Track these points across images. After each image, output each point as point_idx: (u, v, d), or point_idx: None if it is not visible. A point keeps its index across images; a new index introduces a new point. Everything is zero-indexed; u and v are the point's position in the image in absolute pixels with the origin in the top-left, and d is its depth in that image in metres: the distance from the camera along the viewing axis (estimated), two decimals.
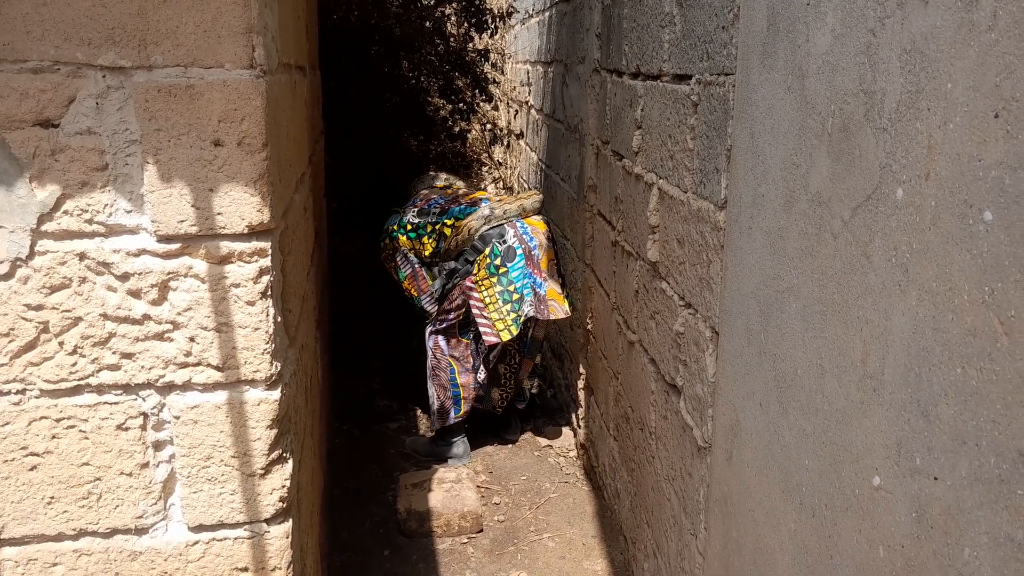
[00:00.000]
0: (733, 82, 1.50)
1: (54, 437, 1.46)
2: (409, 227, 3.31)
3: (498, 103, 4.97)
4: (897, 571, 0.88)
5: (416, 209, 3.36)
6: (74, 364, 1.43)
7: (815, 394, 1.11)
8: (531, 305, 3.04)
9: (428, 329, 3.27)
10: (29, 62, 1.30)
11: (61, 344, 1.41)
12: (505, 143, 5.09)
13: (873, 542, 0.94)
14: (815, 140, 1.11)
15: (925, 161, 0.82)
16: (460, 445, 3.34)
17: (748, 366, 1.41)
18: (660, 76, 2.00)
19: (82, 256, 1.38)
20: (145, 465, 1.49)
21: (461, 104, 4.43)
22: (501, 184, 5.23)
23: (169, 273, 1.41)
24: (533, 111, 4.46)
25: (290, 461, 1.57)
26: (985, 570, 0.72)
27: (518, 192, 4.93)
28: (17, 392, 1.43)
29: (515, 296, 3.03)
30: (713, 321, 1.62)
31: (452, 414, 3.26)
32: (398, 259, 3.35)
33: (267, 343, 1.46)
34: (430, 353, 3.27)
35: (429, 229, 3.26)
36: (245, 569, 1.57)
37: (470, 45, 4.52)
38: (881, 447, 0.91)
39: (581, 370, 3.31)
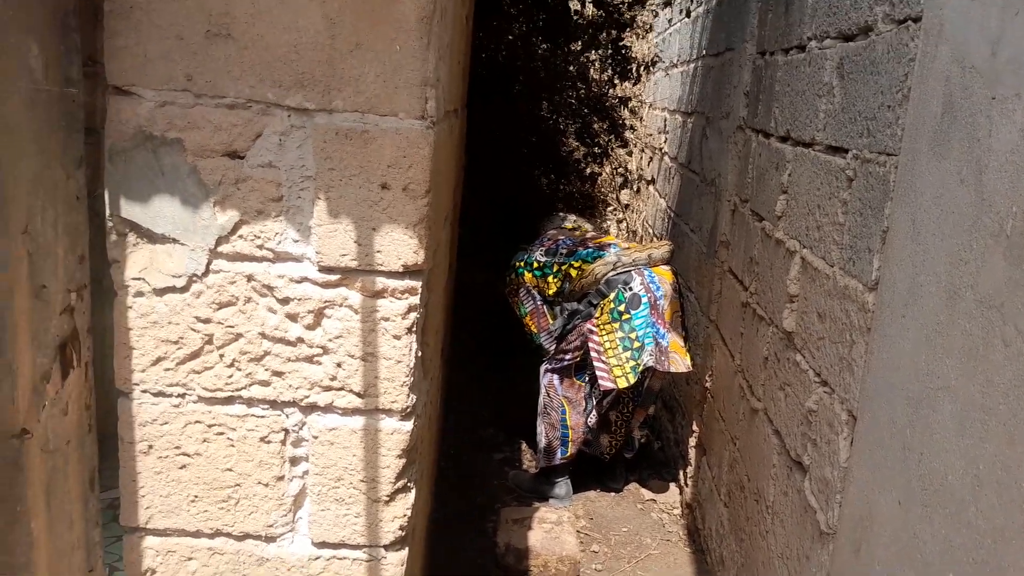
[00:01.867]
0: (896, 163, 1.46)
1: (204, 441, 1.57)
2: (536, 265, 3.36)
3: (632, 148, 4.99)
4: None
5: (544, 248, 3.41)
6: (230, 376, 1.53)
7: (967, 506, 1.05)
8: (651, 355, 3.02)
9: (544, 367, 3.30)
10: (226, 98, 1.43)
11: (221, 356, 1.53)
12: (635, 188, 5.09)
13: None
14: (990, 240, 1.07)
15: None
16: (563, 486, 3.33)
17: (888, 459, 1.35)
18: (812, 144, 1.96)
19: (250, 278, 1.49)
20: (281, 478, 1.58)
21: (596, 148, 4.48)
22: (625, 227, 5.23)
23: (326, 301, 1.50)
24: (667, 159, 4.45)
25: (413, 491, 1.62)
26: None
27: (641, 239, 4.92)
28: (178, 396, 1.55)
29: (636, 344, 3.01)
30: (851, 404, 1.56)
31: (559, 454, 3.27)
32: (521, 294, 3.41)
33: (407, 376, 1.52)
34: (543, 391, 3.29)
35: (555, 269, 3.30)
36: None
37: (611, 91, 4.57)
38: None
39: (694, 428, 3.25)
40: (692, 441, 3.26)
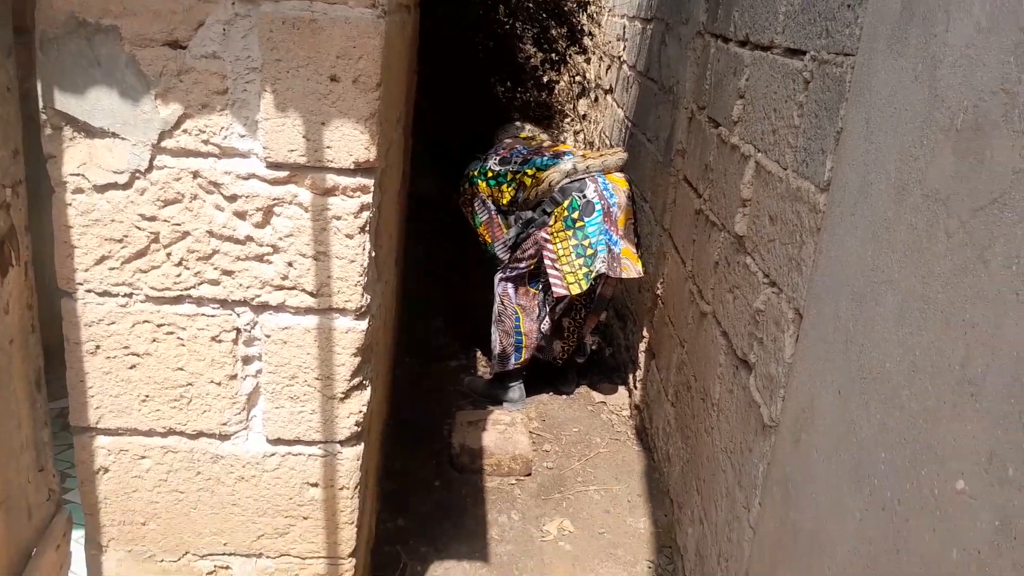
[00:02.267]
0: (852, 63, 1.45)
1: (154, 340, 1.55)
2: (490, 174, 3.32)
3: (591, 56, 4.89)
4: (971, 574, 0.89)
5: (498, 157, 3.37)
6: (178, 275, 1.50)
7: (902, 390, 1.10)
8: (604, 262, 3.05)
9: (498, 276, 3.31)
10: None
11: (168, 255, 1.49)
12: (592, 97, 5.02)
13: (947, 544, 0.95)
14: (940, 135, 1.08)
15: None
16: (517, 390, 3.40)
17: (830, 352, 1.40)
18: (771, 48, 1.94)
19: (195, 174, 1.44)
20: (233, 377, 1.58)
21: (553, 54, 4.37)
22: (583, 138, 5.18)
23: (275, 199, 1.46)
24: (625, 67, 4.38)
25: (368, 389, 1.64)
26: None
27: (600, 148, 4.88)
28: (124, 295, 1.51)
29: (589, 251, 3.03)
30: (798, 303, 1.61)
31: (512, 360, 3.32)
32: (476, 205, 3.38)
33: (360, 275, 1.51)
34: (497, 299, 3.32)
35: (510, 178, 3.28)
36: (316, 484, 1.66)
37: None
38: (971, 452, 0.91)
39: (644, 333, 3.32)
40: (642, 346, 3.34)
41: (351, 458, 1.66)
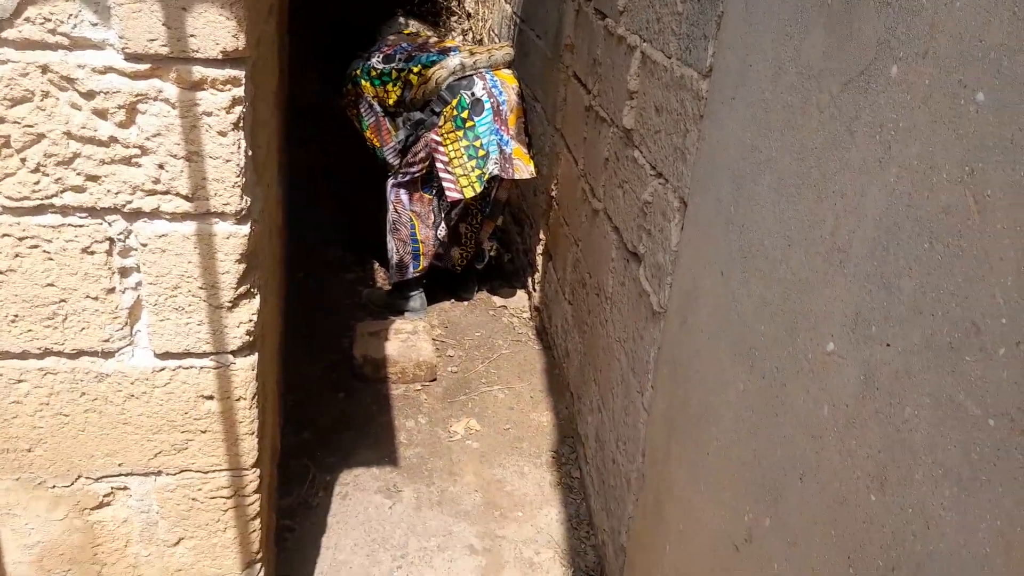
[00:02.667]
0: None
1: (17, 256, 1.44)
2: (373, 73, 3.18)
3: None
4: (839, 427, 0.96)
5: (382, 55, 3.23)
6: (37, 182, 1.39)
7: (779, 264, 1.16)
8: (496, 163, 3.02)
9: (390, 182, 3.23)
10: None
11: (23, 161, 1.37)
12: None
13: (819, 402, 1.02)
14: (813, 11, 1.10)
15: (926, 39, 0.83)
16: (417, 299, 3.39)
17: (713, 236, 1.45)
18: None
19: (45, 68, 1.31)
20: (111, 290, 1.49)
21: None
22: (471, 36, 5.03)
23: (138, 95, 1.35)
24: None
25: (257, 297, 1.58)
26: (923, 427, 0.79)
27: (489, 44, 4.77)
28: None
29: (480, 152, 2.99)
30: (683, 192, 1.64)
31: (411, 268, 3.29)
32: (361, 107, 3.26)
33: (238, 176, 1.44)
34: (391, 207, 3.25)
35: (394, 76, 3.15)
36: (211, 397, 1.62)
37: None
38: (839, 315, 0.97)
39: (541, 236, 3.35)
40: (539, 249, 3.38)
41: (245, 368, 1.62)
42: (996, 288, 0.69)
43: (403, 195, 3.21)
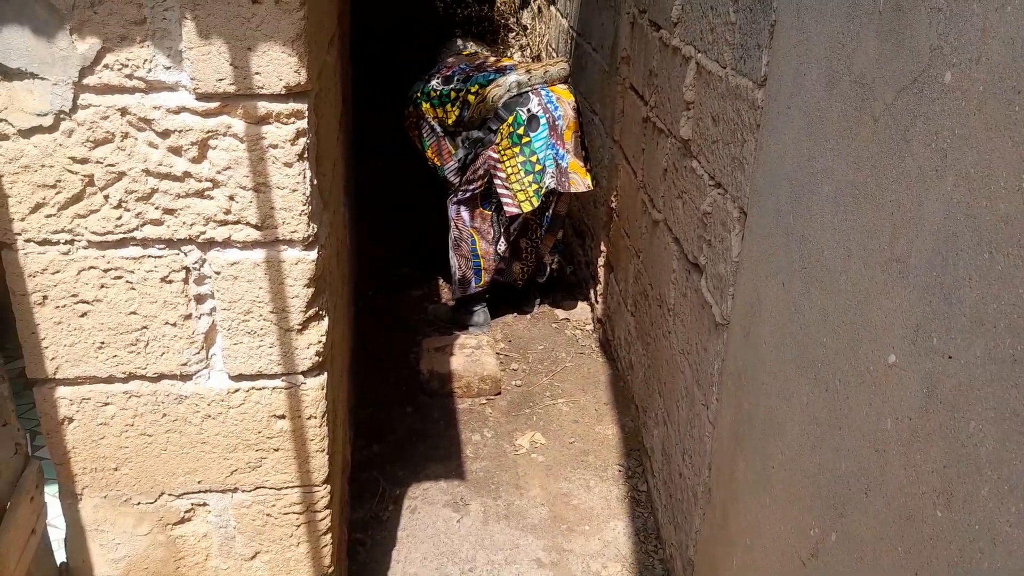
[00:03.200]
0: None
1: (103, 286, 1.53)
2: (433, 94, 3.25)
3: None
4: (903, 441, 0.94)
5: (441, 76, 3.30)
6: (119, 217, 1.47)
7: (839, 275, 1.14)
8: (552, 177, 3.04)
9: (451, 199, 3.29)
10: None
11: (107, 198, 1.46)
12: (535, 8, 4.90)
13: (882, 415, 1.00)
14: (864, 19, 1.09)
15: (978, 44, 0.81)
16: (481, 314, 3.43)
17: (773, 246, 1.43)
18: None
19: (124, 111, 1.40)
20: (188, 316, 1.57)
21: None
22: (529, 52, 5.08)
23: (208, 131, 1.42)
24: None
25: (326, 319, 1.64)
26: (988, 442, 0.77)
27: (545, 60, 4.80)
28: (66, 243, 1.48)
29: (537, 167, 3.02)
30: (742, 201, 1.63)
31: (472, 284, 3.34)
32: (423, 128, 3.33)
33: (304, 204, 1.50)
34: (452, 223, 3.31)
35: (453, 96, 3.21)
36: (283, 416, 1.68)
37: None
38: (900, 327, 0.95)
39: (602, 247, 3.35)
40: (601, 260, 3.38)
41: (315, 388, 1.68)
42: None
43: (464, 212, 3.26)
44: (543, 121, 3.01)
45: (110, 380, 1.61)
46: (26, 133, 1.39)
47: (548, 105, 3.04)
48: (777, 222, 1.42)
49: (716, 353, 1.80)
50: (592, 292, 3.59)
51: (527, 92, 3.06)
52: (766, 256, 1.48)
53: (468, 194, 3.20)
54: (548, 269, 3.67)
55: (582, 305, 3.68)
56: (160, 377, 1.62)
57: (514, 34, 5.09)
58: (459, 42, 3.76)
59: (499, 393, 3.01)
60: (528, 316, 3.61)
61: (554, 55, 4.62)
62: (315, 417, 1.70)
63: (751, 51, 1.59)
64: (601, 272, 3.39)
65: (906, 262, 0.94)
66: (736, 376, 1.65)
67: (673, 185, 2.21)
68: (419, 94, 3.30)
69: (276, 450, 1.71)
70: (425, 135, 3.32)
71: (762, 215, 1.51)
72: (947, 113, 0.87)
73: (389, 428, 2.79)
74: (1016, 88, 0.75)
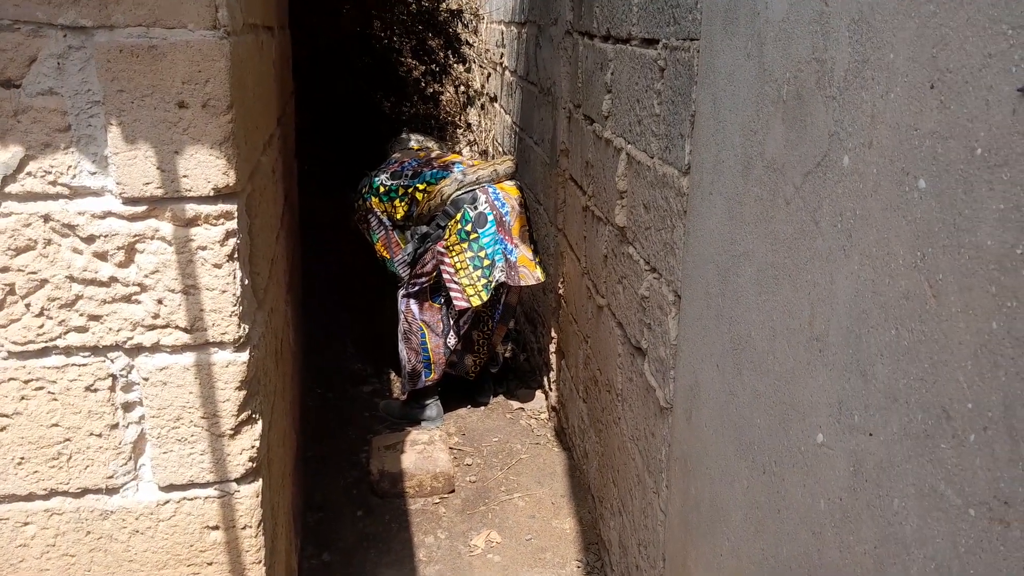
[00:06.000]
0: (698, 47, 1.51)
1: (23, 398, 1.46)
2: (382, 189, 3.29)
3: (472, 64, 4.93)
4: (836, 522, 0.92)
5: (389, 172, 3.35)
6: (41, 326, 1.43)
7: (767, 355, 1.15)
8: (502, 271, 3.06)
9: (400, 292, 3.28)
10: None
11: (28, 306, 1.42)
12: (480, 105, 5.06)
13: (816, 496, 0.98)
14: (771, 107, 1.13)
15: (868, 129, 0.85)
16: (433, 408, 3.38)
17: (706, 329, 1.44)
18: (629, 40, 2.00)
19: (47, 218, 1.38)
20: (115, 426, 1.51)
21: (434, 65, 4.39)
22: (476, 148, 5.21)
23: (135, 236, 1.41)
24: (507, 73, 4.43)
25: (259, 422, 1.59)
26: (911, 520, 0.76)
27: (492, 157, 4.92)
28: None
29: (486, 262, 3.04)
30: (676, 285, 1.65)
31: (423, 377, 3.30)
32: (372, 222, 3.35)
33: (235, 305, 1.47)
34: (402, 317, 3.29)
35: (401, 192, 3.25)
36: (216, 527, 1.60)
37: (443, 5, 4.46)
38: (825, 405, 0.95)
39: (553, 334, 3.35)
40: (552, 347, 3.37)
41: (249, 495, 1.61)
42: (959, 372, 0.68)
43: (413, 305, 3.25)
44: (490, 218, 3.06)
45: (30, 498, 1.52)
46: None
47: (495, 202, 3.10)
48: (708, 304, 1.43)
49: (663, 438, 1.78)
50: (546, 379, 3.57)
51: (475, 190, 3.11)
52: (701, 338, 1.49)
53: (417, 287, 3.21)
54: (501, 359, 3.65)
55: (537, 394, 3.65)
56: (84, 492, 1.54)
57: (461, 130, 5.23)
58: (407, 136, 3.84)
59: (453, 491, 2.93)
60: (483, 408, 3.56)
61: (500, 149, 4.74)
62: (250, 526, 1.62)
63: (675, 141, 1.64)
64: (553, 359, 3.39)
65: (825, 340, 0.95)
66: (683, 461, 1.63)
67: (613, 271, 2.23)
68: (367, 188, 3.34)
69: (209, 564, 1.62)
70: (374, 228, 3.34)
71: (695, 298, 1.52)
72: (848, 195, 0.90)
73: (338, 534, 2.68)
74: (905, 170, 0.78)
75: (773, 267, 1.12)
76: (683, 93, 1.59)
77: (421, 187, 3.21)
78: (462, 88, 4.99)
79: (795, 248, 1.04)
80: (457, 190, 3.12)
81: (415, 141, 3.78)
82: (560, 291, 3.18)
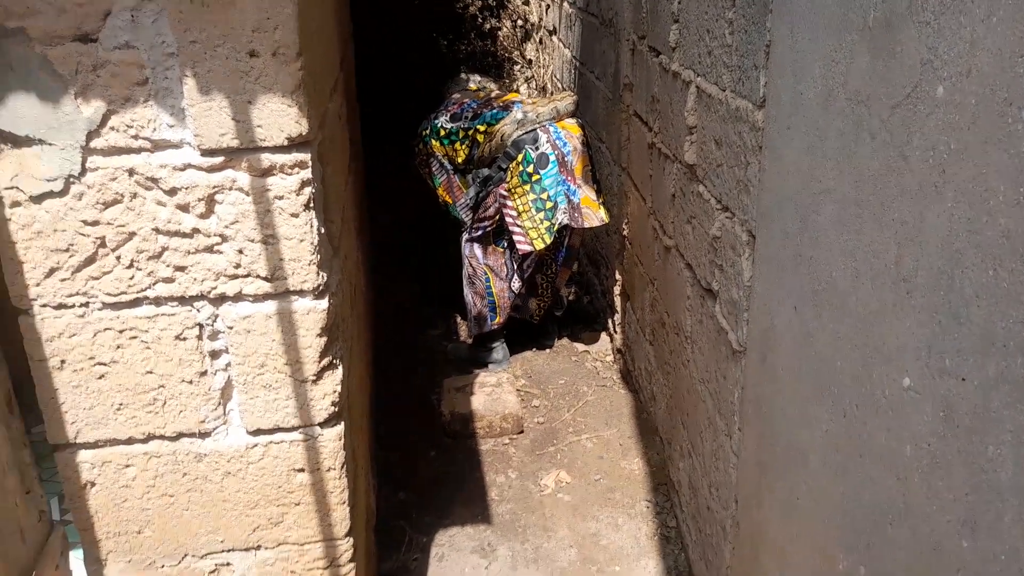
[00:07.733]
0: None
1: (118, 347, 1.54)
2: (442, 132, 3.28)
3: None
4: (923, 468, 0.91)
5: (449, 114, 3.33)
6: (131, 277, 1.49)
7: (849, 297, 1.12)
8: (565, 213, 3.04)
9: (464, 237, 3.30)
10: None
11: (118, 259, 1.47)
12: (538, 40, 4.95)
13: (901, 441, 0.97)
14: (856, 35, 1.08)
15: (967, 57, 0.80)
16: (499, 351, 3.42)
17: (783, 269, 1.41)
18: None
19: (131, 172, 1.42)
20: (203, 373, 1.57)
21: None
22: (534, 84, 5.12)
23: (214, 187, 1.44)
24: (566, 4, 4.32)
25: (340, 368, 1.64)
26: (1007, 466, 0.74)
27: (551, 93, 4.83)
28: (81, 305, 1.50)
29: (548, 204, 3.02)
30: (750, 224, 1.62)
31: (489, 321, 3.33)
32: (433, 166, 3.35)
33: (313, 254, 1.51)
34: (466, 261, 3.31)
35: (462, 135, 3.23)
36: (302, 469, 1.67)
37: None
38: (912, 349, 0.93)
39: (617, 276, 3.33)
40: (617, 290, 3.36)
41: (333, 439, 1.67)
42: None
43: (477, 249, 3.26)
44: (552, 158, 3.02)
45: (130, 441, 1.61)
46: (37, 199, 1.42)
47: (556, 141, 3.05)
48: (785, 244, 1.40)
49: (735, 381, 1.77)
50: (611, 322, 3.56)
51: (535, 130, 3.07)
52: (777, 280, 1.46)
53: (480, 232, 3.21)
54: (565, 302, 3.65)
55: (602, 336, 3.65)
56: (179, 436, 1.62)
57: (519, 66, 5.14)
58: (465, 76, 3.80)
59: (521, 431, 2.99)
60: (548, 351, 3.58)
61: (559, 85, 4.66)
62: (334, 469, 1.69)
63: (748, 72, 1.58)
64: (618, 301, 3.37)
65: (913, 281, 0.92)
66: (756, 404, 1.62)
67: (682, 210, 2.19)
68: (428, 132, 3.33)
69: (297, 504, 1.70)
70: (436, 172, 3.34)
71: (771, 238, 1.49)
72: (942, 128, 0.86)
73: (414, 473, 2.77)
74: (1008, 100, 0.74)
75: (857, 204, 1.08)
76: (757, 22, 1.53)
77: (481, 128, 3.18)
78: (519, 22, 4.87)
79: (881, 185, 1.00)
80: (518, 130, 3.08)
81: (473, 81, 3.74)
82: (624, 232, 3.14)
